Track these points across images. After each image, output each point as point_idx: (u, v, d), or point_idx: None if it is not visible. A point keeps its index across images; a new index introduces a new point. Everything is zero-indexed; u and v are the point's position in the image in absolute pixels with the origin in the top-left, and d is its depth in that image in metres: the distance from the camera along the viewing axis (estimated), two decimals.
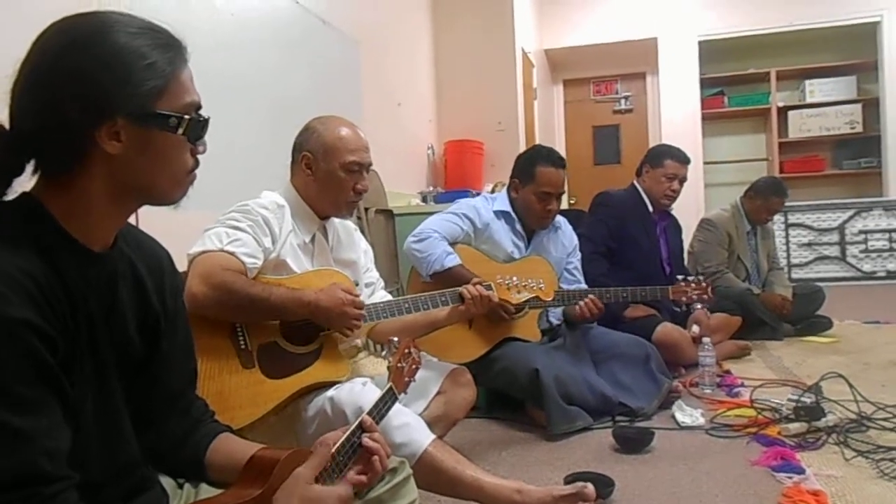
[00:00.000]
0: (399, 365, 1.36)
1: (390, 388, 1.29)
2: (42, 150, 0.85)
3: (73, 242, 0.86)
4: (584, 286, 2.84)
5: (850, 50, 6.94)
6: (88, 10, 0.88)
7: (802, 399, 2.34)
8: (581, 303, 2.57)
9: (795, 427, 2.24)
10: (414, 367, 1.42)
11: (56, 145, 0.84)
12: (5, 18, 1.81)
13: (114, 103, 0.83)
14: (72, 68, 0.83)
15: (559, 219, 2.88)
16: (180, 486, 1.08)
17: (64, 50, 0.84)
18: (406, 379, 1.38)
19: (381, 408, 1.23)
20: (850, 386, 2.39)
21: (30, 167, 0.86)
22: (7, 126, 0.84)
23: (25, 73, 0.84)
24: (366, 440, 1.07)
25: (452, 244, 2.57)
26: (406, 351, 1.41)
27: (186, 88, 0.90)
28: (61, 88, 0.82)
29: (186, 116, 0.89)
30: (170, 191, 0.93)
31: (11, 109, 0.85)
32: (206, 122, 0.93)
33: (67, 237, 0.86)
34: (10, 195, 0.85)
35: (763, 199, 4.21)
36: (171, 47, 0.89)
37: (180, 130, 0.89)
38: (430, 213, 2.82)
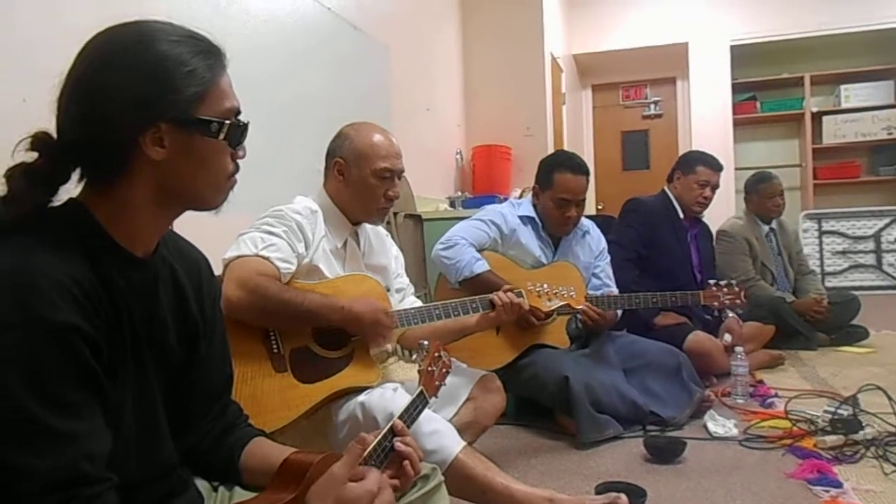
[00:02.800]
0: (430, 369, 1.36)
1: (421, 392, 1.29)
2: (88, 157, 0.86)
3: (117, 248, 0.88)
4: (613, 290, 2.81)
5: (887, 54, 6.79)
6: (130, 20, 0.90)
7: (839, 411, 2.29)
8: (581, 306, 2.49)
9: (832, 440, 2.19)
10: (444, 370, 1.42)
11: (102, 152, 0.85)
12: (49, 31, 1.85)
13: (157, 109, 0.85)
14: (116, 76, 0.85)
15: (587, 223, 2.85)
16: (215, 489, 1.09)
17: (108, 59, 0.86)
18: (436, 383, 1.38)
19: (412, 412, 1.23)
20: (889, 398, 2.33)
21: (76, 175, 0.88)
22: (54, 135, 0.86)
23: (71, 82, 0.86)
24: (398, 444, 1.07)
25: (480, 251, 2.56)
26: (436, 354, 1.41)
27: (226, 94, 0.92)
28: (106, 96, 0.84)
29: (227, 121, 0.91)
30: (211, 196, 0.94)
31: (58, 119, 0.87)
32: (245, 126, 0.94)
33: (112, 242, 0.88)
34: (57, 202, 0.87)
35: (756, 194, 4.16)
36: (210, 54, 0.91)
37: (221, 135, 0.90)
38: (459, 219, 2.82)
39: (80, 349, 0.77)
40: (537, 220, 2.71)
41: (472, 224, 2.64)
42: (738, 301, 2.65)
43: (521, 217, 2.71)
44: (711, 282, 2.72)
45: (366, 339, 1.71)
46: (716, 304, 2.67)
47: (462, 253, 2.49)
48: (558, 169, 2.64)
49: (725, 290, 2.66)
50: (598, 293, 2.69)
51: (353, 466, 0.96)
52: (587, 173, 2.67)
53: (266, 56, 2.85)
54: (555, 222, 2.67)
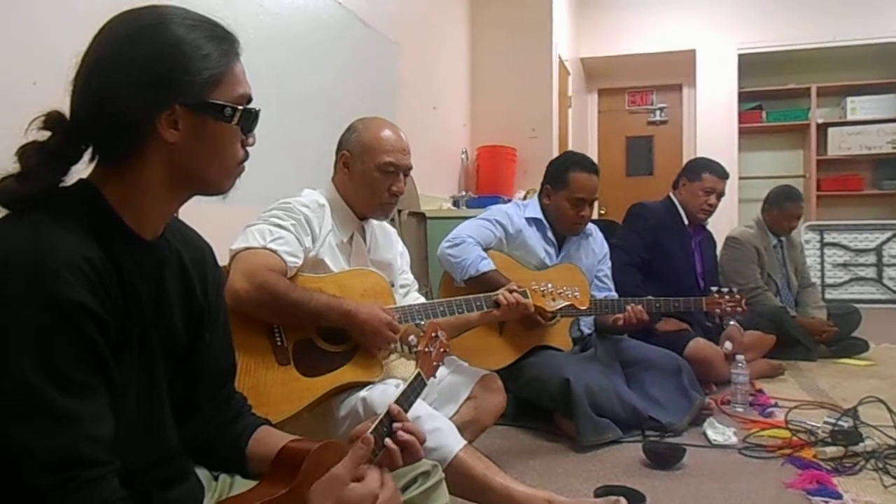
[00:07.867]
0: (427, 349, 1.32)
1: (418, 375, 1.25)
2: (102, 136, 0.86)
3: (126, 229, 0.88)
4: (613, 294, 2.81)
5: (894, 68, 6.78)
6: (144, 4, 0.90)
7: (840, 422, 2.28)
8: (629, 307, 2.54)
9: (832, 451, 2.18)
10: (442, 350, 1.38)
11: (116, 131, 0.85)
12: (60, 15, 1.85)
13: (173, 91, 0.86)
14: (132, 57, 0.85)
15: (590, 226, 2.85)
16: (215, 478, 1.08)
17: (125, 40, 0.86)
18: (434, 363, 1.34)
19: (410, 395, 1.20)
20: (890, 411, 2.32)
21: (86, 156, 0.88)
22: (67, 115, 0.86)
23: (87, 63, 0.86)
24: (400, 434, 1.06)
25: (485, 250, 2.55)
26: (433, 334, 1.37)
27: (239, 80, 0.93)
28: (122, 77, 0.84)
29: (240, 107, 0.91)
30: (221, 180, 0.94)
31: (73, 99, 0.87)
32: (257, 113, 0.95)
33: (121, 224, 0.87)
34: (68, 182, 0.87)
35: (779, 209, 4.13)
36: (225, 40, 0.92)
37: (234, 121, 0.91)
38: (462, 218, 2.81)
39: (89, 329, 0.77)
40: (544, 221, 2.71)
41: (478, 223, 2.64)
42: (739, 309, 2.67)
43: (527, 218, 2.71)
44: (714, 289, 2.73)
45: (365, 346, 1.69)
46: (717, 310, 2.69)
47: (468, 251, 2.48)
48: (573, 168, 2.65)
49: (727, 297, 2.68)
50: (601, 296, 2.69)
51: (355, 467, 0.96)
52: (599, 173, 2.70)
53: (276, 50, 2.85)
54: (568, 222, 2.68)
